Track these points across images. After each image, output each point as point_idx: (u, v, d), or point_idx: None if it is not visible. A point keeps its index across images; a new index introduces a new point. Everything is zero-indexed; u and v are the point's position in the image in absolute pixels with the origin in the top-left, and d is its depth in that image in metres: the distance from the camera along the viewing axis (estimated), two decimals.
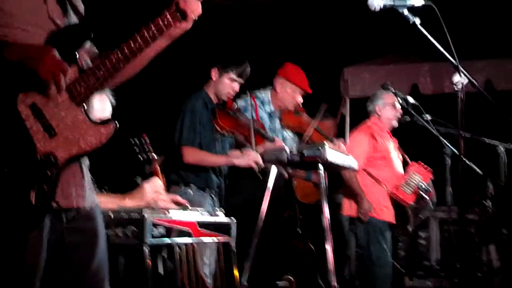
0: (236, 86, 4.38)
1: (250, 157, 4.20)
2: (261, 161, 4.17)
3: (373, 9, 2.95)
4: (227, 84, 4.35)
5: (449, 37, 3.07)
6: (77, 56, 2.11)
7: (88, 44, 2.26)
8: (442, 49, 3.15)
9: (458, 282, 4.63)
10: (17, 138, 1.99)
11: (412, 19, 3.02)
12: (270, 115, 4.93)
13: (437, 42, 3.12)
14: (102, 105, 3.05)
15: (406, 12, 3.01)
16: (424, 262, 7.19)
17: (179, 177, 4.21)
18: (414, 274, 7.06)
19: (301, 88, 4.92)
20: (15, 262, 2.00)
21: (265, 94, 4.95)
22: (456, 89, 3.22)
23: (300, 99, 4.94)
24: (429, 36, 3.13)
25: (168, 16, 2.15)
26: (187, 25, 2.19)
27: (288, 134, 5.05)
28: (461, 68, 3.23)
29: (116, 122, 2.11)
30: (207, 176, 4.26)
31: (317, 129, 4.88)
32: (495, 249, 5.53)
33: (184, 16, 2.16)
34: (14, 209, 1.96)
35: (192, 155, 4.15)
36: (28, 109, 2.01)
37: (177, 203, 3.32)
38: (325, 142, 4.81)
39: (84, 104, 2.11)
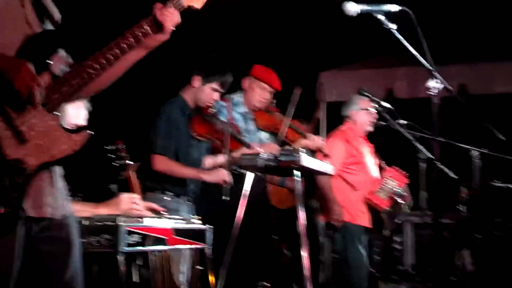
0: (217, 95, 4.35)
1: (219, 175, 4.17)
2: (230, 179, 4.14)
3: (349, 14, 2.96)
4: (208, 93, 4.30)
5: (424, 43, 3.09)
6: (51, 63, 2.08)
7: (63, 53, 2.24)
8: (417, 55, 3.17)
9: (432, 286, 4.65)
10: None
11: (388, 25, 3.03)
12: (244, 116, 4.93)
13: (413, 47, 3.14)
14: (77, 111, 3.01)
15: (382, 18, 3.02)
16: (399, 267, 7.24)
17: (155, 183, 4.17)
18: (388, 279, 7.10)
19: (268, 84, 4.93)
20: None
21: (237, 96, 4.95)
22: (431, 94, 3.25)
23: (268, 96, 4.94)
24: (404, 42, 3.14)
25: (145, 26, 2.13)
26: (164, 36, 2.17)
27: (264, 135, 5.04)
28: (436, 74, 3.25)
29: (89, 130, 2.08)
30: (183, 183, 4.22)
31: (291, 126, 4.89)
32: (469, 253, 5.58)
33: (160, 27, 2.14)
34: None
35: (162, 164, 4.10)
36: None
37: (153, 211, 3.29)
38: (300, 141, 4.86)
39: (56, 111, 2.08)
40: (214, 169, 4.31)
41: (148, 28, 2.13)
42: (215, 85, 4.29)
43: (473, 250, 5.51)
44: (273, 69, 5.08)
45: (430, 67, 3.21)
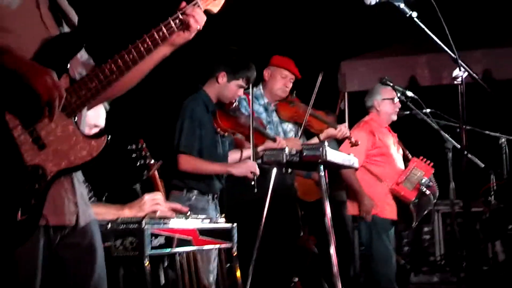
0: (241, 92, 4.30)
1: (247, 167, 4.11)
2: (257, 171, 4.08)
3: (368, 3, 2.91)
4: (234, 89, 4.24)
5: (447, 30, 3.02)
6: (69, 66, 2.04)
7: (84, 56, 2.21)
8: (440, 43, 3.10)
9: (463, 276, 4.57)
10: (3, 148, 1.92)
11: (408, 12, 2.97)
12: (266, 108, 4.89)
13: (434, 33, 3.07)
14: (95, 111, 2.98)
15: (402, 5, 2.96)
16: (429, 258, 7.16)
17: (181, 182, 4.13)
18: (419, 270, 7.03)
19: (289, 71, 4.90)
20: (8, 281, 1.93)
21: (257, 89, 4.92)
22: (456, 82, 3.17)
23: (289, 84, 4.91)
24: (427, 30, 3.07)
25: (172, 23, 2.12)
26: (189, 35, 2.18)
27: (288, 126, 5.00)
28: (461, 62, 3.17)
29: (108, 134, 2.05)
30: (209, 181, 4.18)
31: (314, 115, 4.82)
32: (501, 242, 5.47)
33: (187, 26, 2.15)
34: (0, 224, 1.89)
35: (188, 163, 4.06)
36: (16, 118, 1.94)
37: (177, 211, 3.26)
38: (327, 131, 4.79)
39: (75, 116, 2.04)
40: (241, 162, 4.27)
41: (174, 26, 2.12)
42: (241, 82, 4.23)
43: (504, 240, 5.41)
44: (295, 60, 5.05)
45: (455, 56, 3.13)
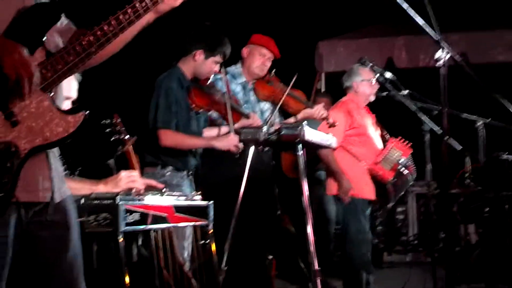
0: (217, 68, 4.29)
1: (230, 140, 4.11)
2: (240, 144, 4.07)
3: None
4: (211, 66, 4.24)
5: (431, 11, 2.99)
6: (45, 39, 1.96)
7: (64, 22, 2.10)
8: (422, 24, 3.07)
9: (436, 257, 4.60)
10: None
11: None
12: (244, 87, 4.84)
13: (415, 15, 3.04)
14: (67, 82, 2.89)
15: None
16: (402, 238, 7.21)
17: (155, 158, 4.09)
18: (392, 250, 7.08)
19: (268, 50, 4.84)
20: None
21: (235, 67, 4.88)
22: (438, 64, 3.15)
23: (268, 63, 4.85)
24: (410, 10, 3.04)
25: None
26: (175, 2, 2.13)
27: (265, 105, 4.95)
28: (444, 43, 3.15)
29: (86, 110, 1.97)
30: (184, 157, 4.14)
31: (292, 95, 4.79)
32: (474, 225, 5.52)
33: None
34: None
35: (170, 138, 4.03)
36: None
37: (153, 188, 3.21)
38: (305, 111, 4.76)
39: (51, 90, 1.96)
40: (223, 135, 4.23)
41: None
42: (218, 58, 4.23)
43: (478, 223, 5.45)
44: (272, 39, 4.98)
45: (437, 37, 3.10)
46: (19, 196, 1.91)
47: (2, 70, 1.84)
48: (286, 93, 4.63)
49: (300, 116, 4.83)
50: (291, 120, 4.87)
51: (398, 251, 7.08)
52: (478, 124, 4.87)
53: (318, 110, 4.82)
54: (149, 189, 3.20)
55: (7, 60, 1.83)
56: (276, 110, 4.66)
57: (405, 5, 3.05)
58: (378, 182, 5.08)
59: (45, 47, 1.96)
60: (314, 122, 4.71)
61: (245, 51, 4.91)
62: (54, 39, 2.04)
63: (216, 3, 7.24)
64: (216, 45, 4.20)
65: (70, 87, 2.95)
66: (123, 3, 2.05)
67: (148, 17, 2.12)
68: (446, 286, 3.40)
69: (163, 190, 3.23)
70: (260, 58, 4.84)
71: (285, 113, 4.96)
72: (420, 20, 3.08)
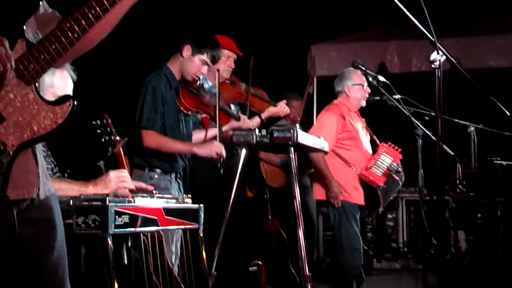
0: (205, 69, 4.17)
1: (212, 147, 4.00)
2: (223, 153, 3.98)
3: None
4: (197, 65, 4.13)
5: (426, 13, 2.97)
6: (25, 28, 1.88)
7: (48, 10, 2.03)
8: (419, 25, 3.05)
9: (428, 263, 4.57)
10: None
11: None
12: (210, 91, 4.80)
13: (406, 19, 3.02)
14: (63, 82, 2.83)
15: None
16: (392, 244, 7.17)
17: (143, 160, 4.01)
18: (382, 257, 7.04)
19: (231, 51, 4.82)
20: None
21: None
22: (434, 66, 3.14)
23: (233, 64, 4.84)
24: (407, 12, 3.02)
25: None
26: None
27: (231, 107, 4.91)
28: (439, 45, 3.13)
29: (73, 99, 1.90)
30: (172, 159, 4.06)
31: (256, 95, 4.79)
32: (464, 232, 5.48)
33: None
34: None
35: (152, 139, 3.93)
36: None
37: (143, 190, 3.15)
38: (269, 110, 4.76)
39: (35, 82, 1.89)
40: (206, 142, 4.17)
41: None
42: (205, 57, 4.12)
43: (469, 229, 5.42)
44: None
45: (433, 39, 3.08)
46: (10, 195, 1.84)
47: None
48: (250, 93, 4.66)
49: (265, 114, 4.85)
50: (256, 119, 4.84)
51: (387, 258, 7.04)
52: (470, 129, 4.86)
53: (282, 107, 4.85)
54: (139, 191, 3.14)
55: None
56: (247, 111, 4.64)
57: (401, 5, 3.04)
58: (367, 187, 5.04)
59: (26, 37, 1.89)
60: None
61: None
62: (35, 29, 1.96)
63: (209, 6, 7.21)
64: (205, 43, 4.11)
65: (66, 86, 2.88)
66: None
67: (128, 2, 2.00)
68: None
69: (153, 192, 3.18)
70: (225, 61, 4.79)
71: (250, 112, 4.94)
72: (416, 21, 3.07)
